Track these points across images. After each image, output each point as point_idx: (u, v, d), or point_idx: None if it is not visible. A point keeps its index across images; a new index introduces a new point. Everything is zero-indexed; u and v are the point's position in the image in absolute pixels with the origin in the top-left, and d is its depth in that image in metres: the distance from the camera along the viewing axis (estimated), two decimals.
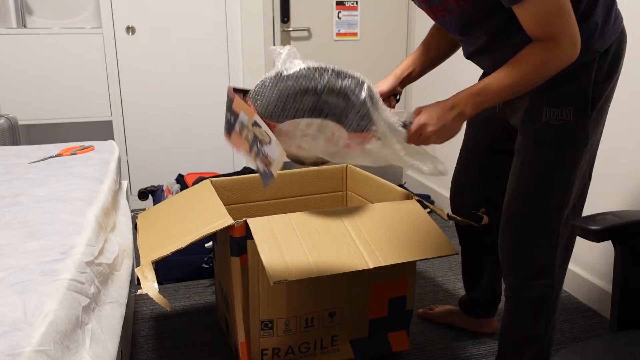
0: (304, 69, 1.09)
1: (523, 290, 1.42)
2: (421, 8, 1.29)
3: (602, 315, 2.03)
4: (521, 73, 1.14)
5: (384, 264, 1.41)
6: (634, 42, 1.80)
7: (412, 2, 1.52)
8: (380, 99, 1.19)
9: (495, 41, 1.24)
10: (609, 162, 1.96)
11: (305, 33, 3.33)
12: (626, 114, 1.87)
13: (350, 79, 1.12)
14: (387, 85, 1.46)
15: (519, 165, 1.35)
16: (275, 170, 1.09)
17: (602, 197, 2.00)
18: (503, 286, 1.61)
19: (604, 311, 2.03)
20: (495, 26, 1.21)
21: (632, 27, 1.79)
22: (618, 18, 1.28)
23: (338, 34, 3.38)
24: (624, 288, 1.07)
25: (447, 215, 1.65)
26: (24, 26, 2.98)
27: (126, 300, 1.26)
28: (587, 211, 1.16)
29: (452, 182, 1.71)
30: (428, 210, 1.67)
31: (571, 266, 2.19)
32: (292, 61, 1.10)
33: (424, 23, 3.26)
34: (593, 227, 1.03)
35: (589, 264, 2.11)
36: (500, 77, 1.15)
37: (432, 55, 1.50)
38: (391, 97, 1.46)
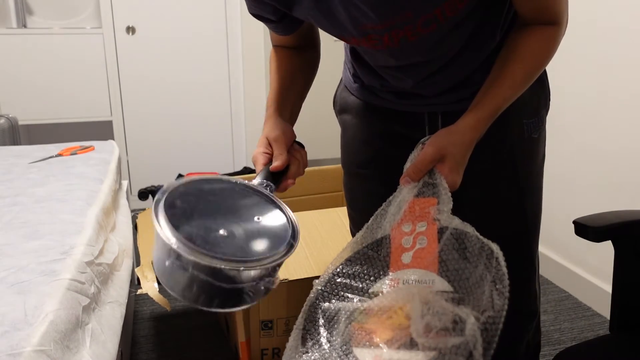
0: None
1: None
2: (362, 37, 0.87)
3: (602, 315, 2.03)
4: (527, 69, 0.86)
5: None
6: (632, 41, 1.80)
7: None
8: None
9: (465, 52, 0.92)
10: (608, 162, 1.96)
11: None
12: (626, 114, 1.87)
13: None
14: (278, 131, 0.97)
15: None
16: None
17: (602, 197, 2.00)
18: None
19: (604, 311, 2.03)
20: (469, 31, 0.90)
21: (631, 27, 1.80)
22: None
23: None
24: (624, 288, 1.07)
25: None
26: (24, 26, 2.98)
27: (126, 300, 1.26)
28: (587, 211, 1.16)
29: None
30: None
31: (571, 266, 2.19)
32: None
33: None
34: (592, 227, 1.03)
35: (589, 264, 2.11)
36: (508, 82, 0.85)
37: (299, 89, 1.05)
38: (295, 145, 1.02)
